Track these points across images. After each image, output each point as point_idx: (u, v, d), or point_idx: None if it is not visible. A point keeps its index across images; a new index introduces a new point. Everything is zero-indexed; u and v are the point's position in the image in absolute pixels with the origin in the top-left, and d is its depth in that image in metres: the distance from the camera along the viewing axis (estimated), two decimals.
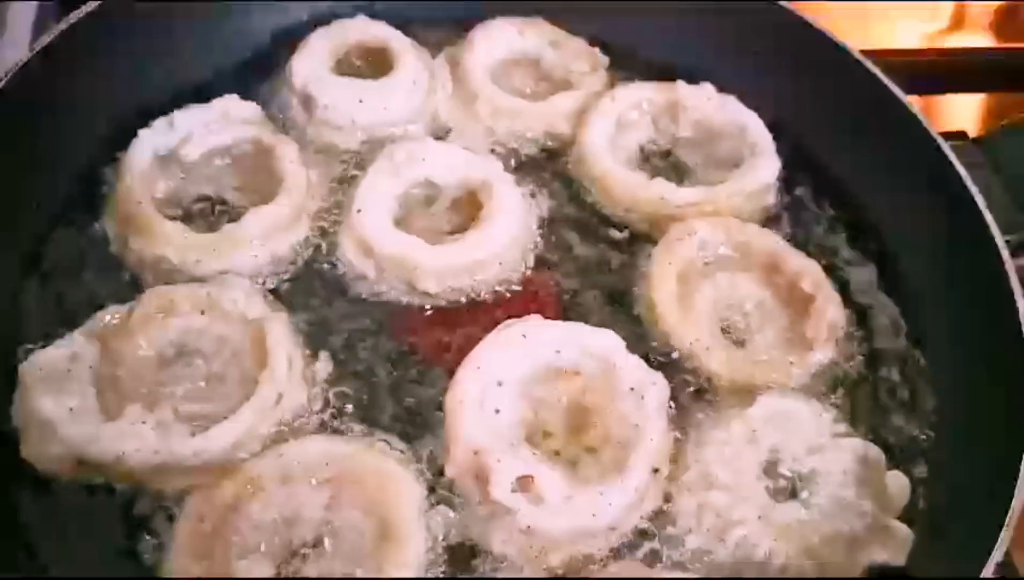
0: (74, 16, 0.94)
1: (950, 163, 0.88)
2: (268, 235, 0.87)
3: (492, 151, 0.99)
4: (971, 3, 1.54)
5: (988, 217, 0.84)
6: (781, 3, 1.01)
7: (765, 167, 0.95)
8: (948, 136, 0.96)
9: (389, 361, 0.85)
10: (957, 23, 1.52)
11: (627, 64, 1.08)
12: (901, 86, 1.00)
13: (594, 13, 1.08)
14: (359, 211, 0.89)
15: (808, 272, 0.88)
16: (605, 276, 0.92)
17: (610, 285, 0.91)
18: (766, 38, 1.02)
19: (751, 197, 0.94)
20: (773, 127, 1.00)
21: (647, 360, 0.83)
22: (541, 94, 1.05)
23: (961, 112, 1.29)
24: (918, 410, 0.85)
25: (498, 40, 1.05)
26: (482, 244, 0.87)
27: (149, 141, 0.91)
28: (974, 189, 0.86)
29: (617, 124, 1.00)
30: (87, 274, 0.87)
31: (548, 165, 1.00)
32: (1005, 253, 0.83)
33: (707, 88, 1.03)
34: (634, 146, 1.01)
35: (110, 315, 0.81)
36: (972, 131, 1.13)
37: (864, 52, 1.05)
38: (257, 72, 1.03)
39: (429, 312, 0.87)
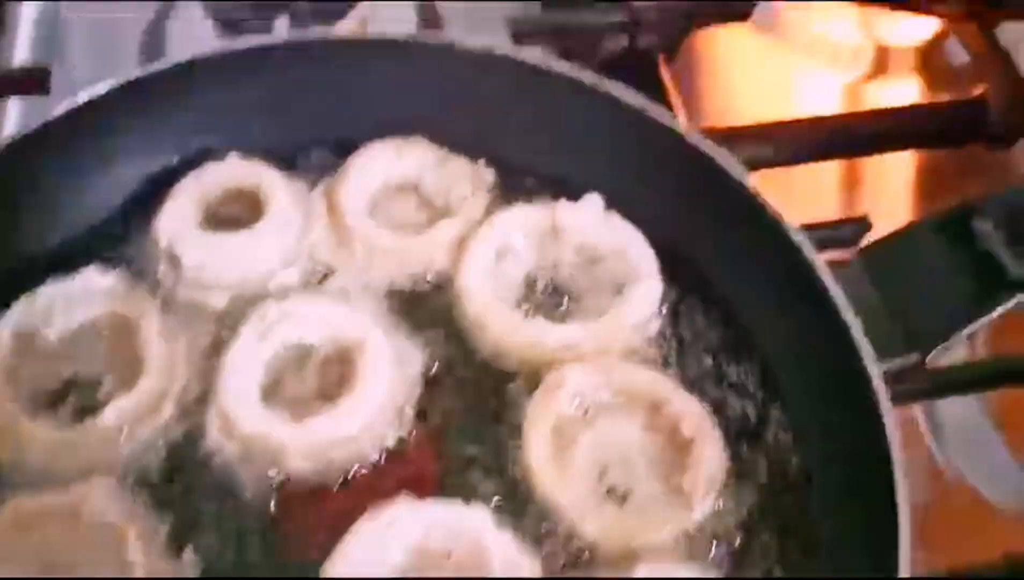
0: None
1: (822, 282, 0.84)
2: (132, 424, 0.85)
3: (371, 294, 0.96)
4: (890, 46, 1.51)
5: (861, 344, 0.81)
6: (670, 123, 0.98)
7: (647, 295, 0.92)
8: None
9: (259, 551, 0.82)
10: (879, 68, 1.49)
11: (515, 179, 1.04)
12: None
13: (484, 126, 1.04)
14: (221, 387, 0.86)
15: (688, 414, 0.85)
16: (486, 429, 0.88)
17: (491, 439, 0.88)
18: (656, 152, 0.98)
19: (633, 329, 0.92)
20: (662, 244, 0.97)
21: (524, 528, 0.81)
22: (422, 223, 1.02)
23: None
24: (809, 560, 0.82)
25: (373, 167, 1.03)
26: (350, 417, 0.84)
27: (4, 327, 0.88)
28: (847, 313, 0.82)
29: (497, 253, 0.97)
30: None
31: (430, 304, 0.96)
32: (878, 383, 0.80)
33: (592, 202, 1.00)
34: (517, 275, 0.98)
35: None
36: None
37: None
38: (124, 229, 1.00)
39: (301, 492, 0.84)
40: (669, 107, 1.27)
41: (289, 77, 1.02)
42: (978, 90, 1.30)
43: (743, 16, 1.33)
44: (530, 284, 0.99)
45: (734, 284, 0.95)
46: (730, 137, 1.23)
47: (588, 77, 0.98)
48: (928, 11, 1.35)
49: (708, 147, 0.95)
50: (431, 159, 1.03)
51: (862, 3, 1.35)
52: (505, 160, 1.04)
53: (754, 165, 1.24)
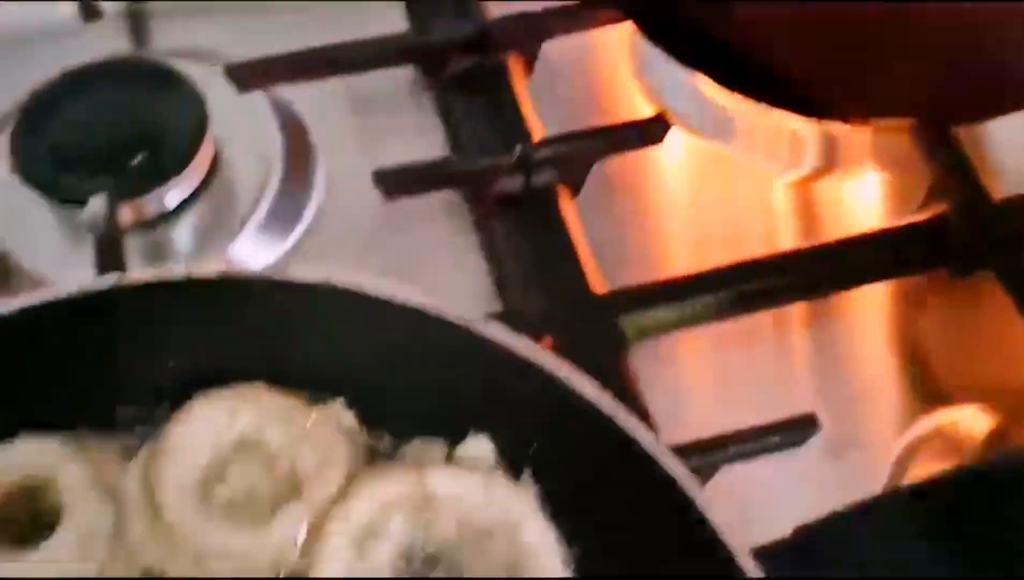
0: None
1: None
2: None
3: None
4: (840, 133, 1.38)
5: None
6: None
7: None
8: None
9: None
10: (829, 163, 1.37)
11: (384, 421, 0.90)
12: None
13: (334, 368, 0.90)
14: None
15: None
16: None
17: None
18: (533, 400, 0.84)
19: None
20: (559, 508, 0.84)
21: None
22: (272, 497, 0.87)
23: None
24: None
25: (199, 435, 0.87)
26: None
27: None
28: None
29: (358, 543, 0.82)
30: None
31: None
32: None
33: (478, 447, 0.88)
34: (387, 562, 0.84)
35: None
36: None
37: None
38: None
39: None
40: (576, 258, 1.15)
41: (85, 332, 0.88)
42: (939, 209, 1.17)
43: (657, 139, 1.20)
44: (405, 568, 0.85)
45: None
46: (640, 297, 1.12)
47: (442, 310, 0.85)
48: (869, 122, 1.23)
49: (590, 393, 0.81)
50: (275, 412, 0.89)
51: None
52: (367, 407, 0.91)
53: (673, 325, 1.15)
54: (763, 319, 1.15)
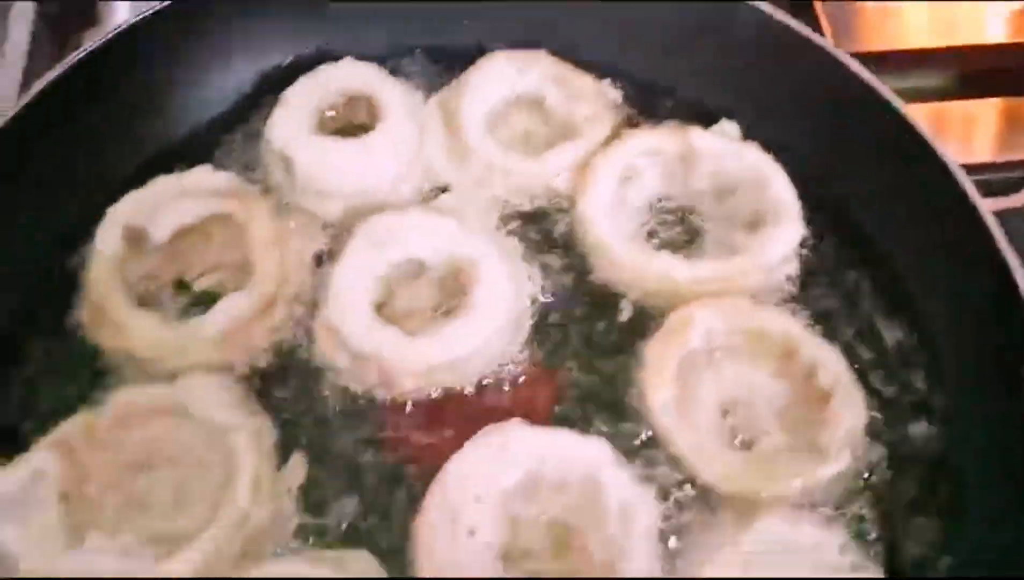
0: (39, 83, 0.95)
1: (988, 232, 0.83)
2: (239, 326, 0.89)
3: (487, 213, 0.98)
4: None
5: None
6: (817, 40, 0.97)
7: (785, 236, 0.92)
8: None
9: (366, 466, 0.85)
10: None
11: (646, 101, 1.05)
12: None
13: (613, 43, 1.06)
14: (331, 300, 0.89)
15: (826, 364, 0.85)
16: (604, 362, 0.90)
17: (609, 373, 0.89)
18: (802, 78, 0.98)
19: (769, 271, 0.92)
20: (803, 177, 0.96)
21: (645, 465, 0.83)
22: (543, 140, 1.04)
23: None
24: (947, 524, 0.82)
25: (493, 82, 1.03)
26: (462, 340, 0.87)
27: (116, 222, 0.92)
28: (1016, 271, 0.82)
29: (621, 180, 0.97)
30: (56, 374, 0.89)
31: (550, 229, 0.98)
32: None
33: (728, 129, 1.01)
34: (642, 203, 0.99)
35: (75, 424, 0.83)
36: None
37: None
38: (237, 128, 1.03)
39: (410, 408, 0.88)
40: (816, 28, 1.24)
41: None
42: None
43: None
44: (655, 212, 0.99)
45: (882, 225, 0.94)
46: (883, 63, 1.20)
47: None
48: None
49: (862, 72, 0.94)
50: (554, 75, 1.04)
51: None
52: (635, 80, 1.05)
53: (908, 97, 1.22)
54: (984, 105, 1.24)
